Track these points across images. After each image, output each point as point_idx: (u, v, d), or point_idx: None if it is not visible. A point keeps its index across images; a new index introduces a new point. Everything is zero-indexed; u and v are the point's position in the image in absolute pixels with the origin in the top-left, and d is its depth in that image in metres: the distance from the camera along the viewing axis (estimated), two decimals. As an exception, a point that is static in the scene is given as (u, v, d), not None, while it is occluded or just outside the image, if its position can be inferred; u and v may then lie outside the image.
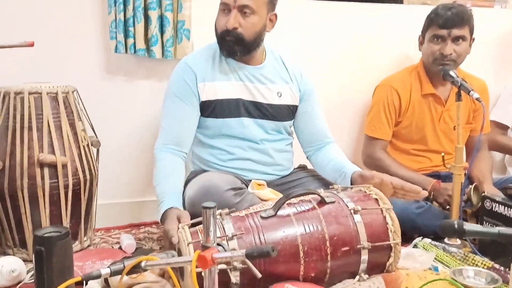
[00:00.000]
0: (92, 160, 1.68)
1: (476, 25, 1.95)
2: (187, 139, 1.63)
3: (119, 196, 2.00)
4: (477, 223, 1.70)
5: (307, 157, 1.80)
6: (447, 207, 1.77)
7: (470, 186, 1.77)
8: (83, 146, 1.63)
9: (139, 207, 2.00)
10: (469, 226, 1.21)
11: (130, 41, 1.79)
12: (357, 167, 1.61)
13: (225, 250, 0.90)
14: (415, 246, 1.64)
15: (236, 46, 1.57)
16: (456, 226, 1.20)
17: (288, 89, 1.70)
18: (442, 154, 1.71)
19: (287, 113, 1.71)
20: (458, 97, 1.66)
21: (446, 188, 1.79)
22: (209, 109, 1.62)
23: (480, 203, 1.69)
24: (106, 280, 1.32)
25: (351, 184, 1.55)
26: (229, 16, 1.54)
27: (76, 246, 1.64)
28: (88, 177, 1.63)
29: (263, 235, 1.20)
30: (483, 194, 1.68)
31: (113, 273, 1.02)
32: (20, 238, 1.57)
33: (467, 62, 1.99)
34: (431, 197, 1.83)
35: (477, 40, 1.97)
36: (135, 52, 1.81)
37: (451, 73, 1.73)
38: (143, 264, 1.01)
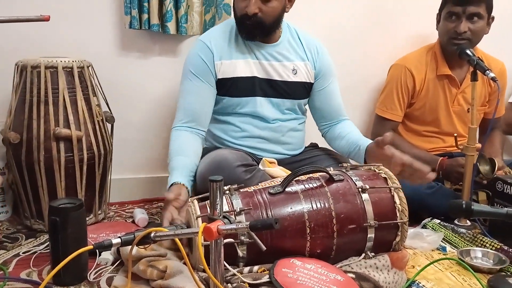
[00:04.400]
0: (106, 135, 1.71)
1: (498, 4, 1.90)
2: (204, 117, 1.63)
3: (134, 171, 2.04)
4: (488, 205, 1.69)
5: (322, 134, 1.80)
6: (460, 183, 1.76)
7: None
8: (98, 121, 1.66)
9: (152, 183, 2.04)
10: (477, 206, 1.21)
11: (144, 16, 1.80)
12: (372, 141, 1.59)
13: (231, 223, 0.92)
14: (424, 226, 1.65)
15: (256, 30, 1.58)
16: (464, 205, 1.21)
17: (303, 66, 1.69)
18: (455, 134, 1.69)
19: (302, 90, 1.71)
20: (474, 77, 1.63)
21: (453, 165, 1.78)
22: (224, 87, 1.63)
23: (491, 172, 1.67)
24: (118, 252, 1.36)
25: (365, 156, 1.55)
26: (248, 1, 1.53)
27: (91, 219, 1.69)
28: (102, 151, 1.66)
29: (271, 210, 1.21)
30: (495, 176, 1.66)
31: (124, 243, 1.05)
32: (37, 210, 1.62)
33: (487, 43, 1.95)
34: (441, 175, 1.83)
35: (498, 19, 1.92)
36: (149, 27, 1.82)
37: (467, 51, 1.70)
38: (152, 235, 1.04)
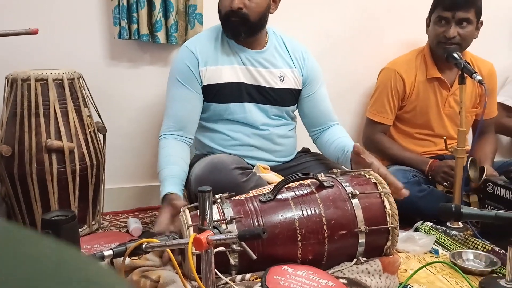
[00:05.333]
0: (98, 145, 1.72)
1: (487, 7, 1.92)
2: (191, 125, 1.63)
3: (127, 181, 2.04)
4: (480, 207, 1.71)
5: (313, 141, 1.81)
6: (444, 183, 1.79)
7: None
8: (89, 132, 1.66)
9: (146, 192, 2.04)
10: (466, 209, 1.23)
11: (134, 26, 1.81)
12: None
13: (220, 233, 0.93)
14: (416, 229, 1.66)
15: (241, 27, 1.57)
16: (453, 209, 1.22)
17: (290, 73, 1.69)
18: (444, 137, 1.71)
19: (290, 97, 1.71)
20: (461, 80, 1.65)
21: (441, 166, 1.81)
22: (211, 93, 1.63)
23: (479, 178, 1.69)
24: (112, 262, 1.36)
25: (351, 161, 1.55)
26: None
27: (85, 229, 1.69)
28: (95, 162, 1.67)
29: (262, 218, 1.22)
30: (485, 178, 1.67)
31: (116, 255, 1.07)
32: (30, 222, 1.62)
33: (477, 45, 1.96)
34: (430, 177, 1.84)
35: (487, 22, 1.94)
36: (139, 37, 1.83)
37: (455, 54, 1.71)
38: (144, 246, 1.05)
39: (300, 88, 1.72)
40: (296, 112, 1.80)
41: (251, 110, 1.65)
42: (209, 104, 1.64)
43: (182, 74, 1.61)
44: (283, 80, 1.68)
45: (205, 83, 1.61)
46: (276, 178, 1.57)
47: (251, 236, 0.85)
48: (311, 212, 1.24)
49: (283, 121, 1.73)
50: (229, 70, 1.62)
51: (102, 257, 1.04)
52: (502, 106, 2.25)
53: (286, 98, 1.70)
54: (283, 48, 1.72)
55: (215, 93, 1.62)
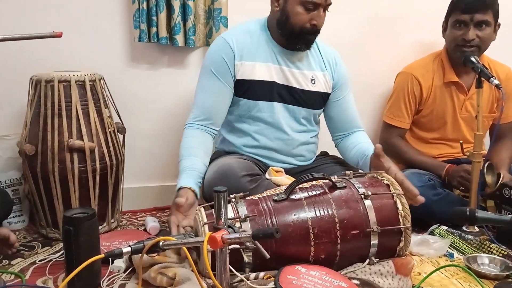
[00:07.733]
0: (118, 145, 1.76)
1: (503, 9, 1.90)
2: (218, 116, 1.64)
3: (146, 180, 2.08)
4: (496, 212, 1.70)
5: (335, 145, 1.82)
6: (461, 188, 1.78)
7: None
8: (110, 132, 1.71)
9: (164, 191, 2.08)
10: (481, 213, 1.23)
11: (153, 30, 1.85)
12: None
13: (235, 232, 0.95)
14: (431, 233, 1.65)
15: (313, 39, 1.64)
16: (467, 212, 1.22)
17: (322, 76, 1.71)
18: (461, 141, 1.70)
19: (319, 100, 1.73)
20: (478, 84, 1.64)
21: (457, 170, 1.80)
22: (243, 88, 1.63)
23: (495, 183, 1.68)
24: (130, 259, 1.40)
25: (370, 165, 1.56)
26: (316, 15, 1.57)
27: (104, 227, 1.73)
28: (114, 162, 1.71)
29: (275, 217, 1.24)
30: (502, 182, 1.66)
31: (134, 252, 1.10)
32: (52, 219, 1.67)
33: (494, 48, 1.95)
34: (447, 182, 1.83)
35: (504, 25, 1.93)
36: (158, 40, 1.87)
37: (472, 58, 1.71)
38: (161, 243, 1.08)
39: (330, 92, 1.74)
40: (321, 117, 1.81)
41: (278, 111, 1.66)
42: (239, 99, 1.65)
43: (216, 65, 1.62)
44: (314, 82, 1.69)
45: (238, 77, 1.62)
46: (287, 181, 1.58)
47: (265, 235, 0.87)
48: (324, 212, 1.25)
49: (308, 126, 1.74)
50: (263, 68, 1.63)
51: (121, 254, 1.07)
52: None
53: (315, 101, 1.72)
54: (317, 51, 1.74)
55: (246, 89, 1.63)
